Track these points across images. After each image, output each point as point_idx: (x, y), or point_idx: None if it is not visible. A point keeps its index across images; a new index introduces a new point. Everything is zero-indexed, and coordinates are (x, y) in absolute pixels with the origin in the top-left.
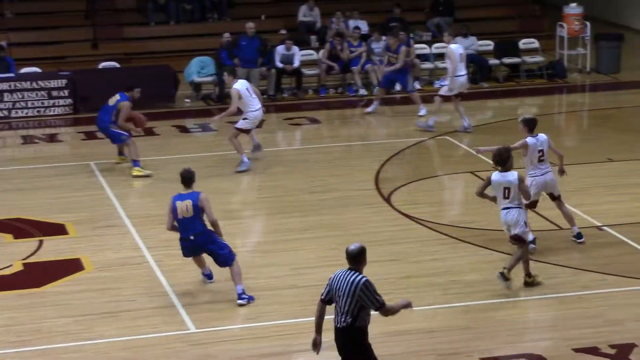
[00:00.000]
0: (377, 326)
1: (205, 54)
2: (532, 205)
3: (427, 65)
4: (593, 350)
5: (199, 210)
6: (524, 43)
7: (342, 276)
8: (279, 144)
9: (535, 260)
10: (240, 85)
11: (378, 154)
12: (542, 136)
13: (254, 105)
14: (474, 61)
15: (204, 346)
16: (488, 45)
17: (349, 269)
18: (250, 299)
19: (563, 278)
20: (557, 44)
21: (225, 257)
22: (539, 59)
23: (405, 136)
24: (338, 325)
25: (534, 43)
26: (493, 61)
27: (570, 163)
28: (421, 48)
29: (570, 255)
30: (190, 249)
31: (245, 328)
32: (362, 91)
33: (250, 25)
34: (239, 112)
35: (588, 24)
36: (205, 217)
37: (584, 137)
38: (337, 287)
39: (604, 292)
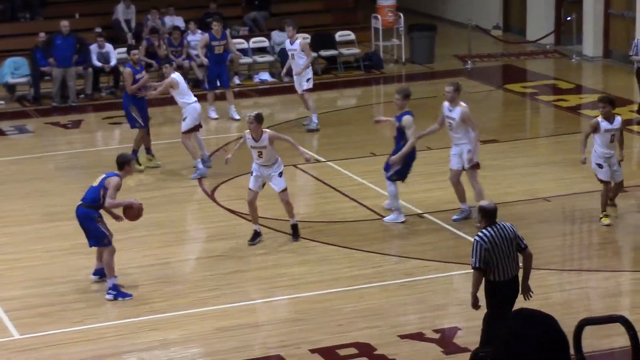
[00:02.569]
0: (206, 322)
1: (19, 55)
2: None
3: (246, 60)
4: (418, 336)
5: (101, 185)
6: (340, 35)
7: (495, 234)
8: (98, 144)
9: (358, 250)
10: (177, 76)
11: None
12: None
13: (190, 97)
14: None
15: (30, 352)
16: (305, 38)
17: (490, 225)
18: (118, 297)
19: (386, 266)
20: (373, 35)
21: (92, 243)
22: (355, 50)
23: (225, 131)
24: (513, 275)
25: (350, 35)
26: None
27: (389, 153)
28: (239, 43)
29: (392, 243)
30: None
31: (73, 331)
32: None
33: (64, 24)
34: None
35: (401, 15)
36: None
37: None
38: (499, 244)
39: (426, 279)
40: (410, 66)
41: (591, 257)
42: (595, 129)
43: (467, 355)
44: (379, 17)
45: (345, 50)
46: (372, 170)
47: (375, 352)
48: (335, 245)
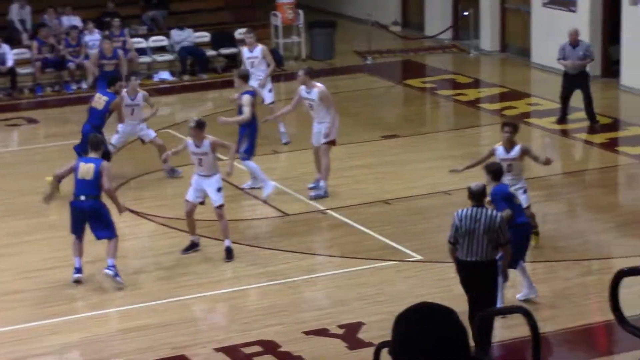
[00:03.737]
0: (110, 324)
1: None
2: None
3: (145, 59)
4: (323, 332)
5: (98, 176)
6: (239, 33)
7: (472, 214)
8: None
9: (262, 247)
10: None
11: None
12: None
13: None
14: (192, 53)
15: None
16: (204, 36)
17: (475, 206)
18: (116, 276)
19: (291, 263)
20: (272, 32)
21: (104, 235)
22: None
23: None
24: (475, 259)
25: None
26: (210, 52)
27: (292, 150)
28: (138, 42)
29: (296, 240)
30: (77, 210)
31: None
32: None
33: None
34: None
35: (301, 12)
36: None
37: (303, 122)
38: (469, 225)
39: (330, 274)
40: (311, 63)
41: None
42: (491, 156)
43: (372, 349)
44: (279, 14)
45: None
46: (274, 168)
47: (280, 349)
48: (239, 243)
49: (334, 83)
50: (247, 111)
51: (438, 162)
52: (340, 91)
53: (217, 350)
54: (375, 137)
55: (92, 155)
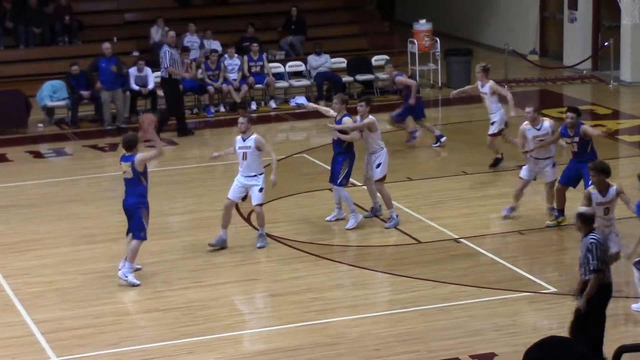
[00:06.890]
0: (241, 346)
1: (57, 78)
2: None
3: (282, 83)
4: None
5: (137, 173)
6: (376, 60)
7: (601, 237)
8: None
9: (394, 274)
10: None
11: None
12: None
13: None
14: (328, 79)
15: None
16: (341, 62)
17: (592, 230)
18: (131, 281)
19: (423, 291)
20: (409, 60)
21: (134, 234)
22: None
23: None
24: (611, 280)
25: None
26: (346, 78)
27: (425, 177)
28: (275, 67)
29: (428, 269)
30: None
31: (108, 354)
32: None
33: (107, 46)
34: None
35: (438, 39)
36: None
37: (438, 150)
38: (606, 247)
39: (463, 303)
40: (447, 90)
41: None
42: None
43: None
44: (415, 41)
45: (381, 74)
46: (408, 195)
47: None
48: (370, 269)
49: (468, 112)
50: (354, 132)
51: (574, 194)
52: (475, 120)
53: None
54: (511, 167)
55: (128, 153)
